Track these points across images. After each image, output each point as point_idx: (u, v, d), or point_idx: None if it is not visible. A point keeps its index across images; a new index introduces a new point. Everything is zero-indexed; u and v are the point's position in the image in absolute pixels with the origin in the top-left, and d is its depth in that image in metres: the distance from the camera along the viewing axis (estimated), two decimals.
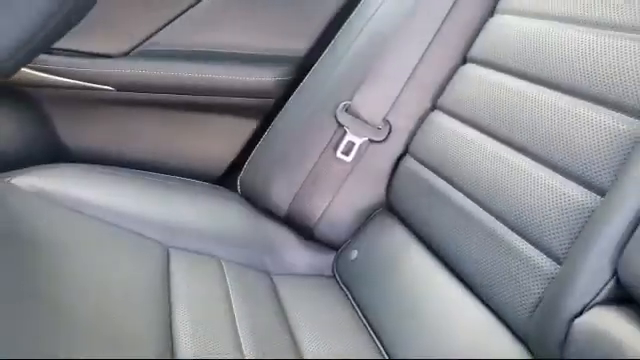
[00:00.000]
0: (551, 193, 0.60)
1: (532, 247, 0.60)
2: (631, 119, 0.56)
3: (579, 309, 0.49)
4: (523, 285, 0.59)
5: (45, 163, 0.94)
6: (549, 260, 0.57)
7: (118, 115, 1.08)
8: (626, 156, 0.53)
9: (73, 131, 1.08)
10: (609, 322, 0.47)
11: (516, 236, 0.62)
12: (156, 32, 1.03)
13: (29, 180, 0.84)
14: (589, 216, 0.54)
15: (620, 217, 0.49)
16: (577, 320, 0.49)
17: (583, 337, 0.49)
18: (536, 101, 0.68)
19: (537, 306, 0.56)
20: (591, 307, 0.49)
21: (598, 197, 0.55)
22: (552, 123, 0.64)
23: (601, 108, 0.59)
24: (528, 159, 0.65)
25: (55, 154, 1.07)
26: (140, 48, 1.04)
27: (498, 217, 0.66)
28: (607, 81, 0.60)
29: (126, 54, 1.03)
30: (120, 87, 1.03)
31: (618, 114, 0.57)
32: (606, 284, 0.49)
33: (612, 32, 0.62)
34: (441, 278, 0.74)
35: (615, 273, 0.48)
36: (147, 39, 1.03)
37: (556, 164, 0.61)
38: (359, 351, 0.75)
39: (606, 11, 0.65)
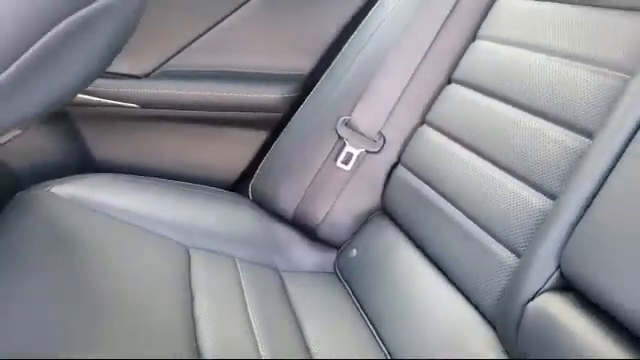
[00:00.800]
0: (514, 198, 0.70)
1: (499, 244, 0.70)
2: (580, 137, 0.66)
3: (531, 295, 0.59)
4: (492, 276, 0.69)
5: (77, 173, 1.02)
6: (512, 255, 0.67)
7: (142, 129, 1.16)
8: (572, 167, 0.63)
9: (102, 144, 1.17)
10: (554, 306, 0.57)
11: (487, 236, 0.72)
12: (175, 55, 1.11)
13: (66, 189, 0.93)
14: (543, 217, 0.64)
15: (564, 219, 0.59)
16: (529, 304, 0.59)
17: (533, 318, 0.59)
18: (505, 118, 0.78)
19: (502, 294, 0.66)
20: (540, 294, 0.59)
21: (550, 201, 0.65)
22: (516, 138, 0.74)
23: (556, 126, 0.70)
24: (497, 169, 0.75)
25: (85, 165, 1.16)
26: (161, 69, 1.12)
27: (473, 219, 0.76)
28: (562, 103, 0.70)
29: (148, 75, 1.11)
30: (143, 104, 1.11)
31: (569, 132, 0.68)
32: (552, 275, 0.59)
33: (569, 61, 0.73)
34: (427, 272, 0.83)
35: (559, 266, 0.59)
36: (167, 61, 1.11)
37: (518, 173, 0.72)
38: (357, 338, 0.84)
39: (566, 43, 0.75)
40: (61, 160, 1.15)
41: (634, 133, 0.57)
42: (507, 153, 0.75)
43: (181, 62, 1.13)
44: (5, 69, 0.49)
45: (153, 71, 1.12)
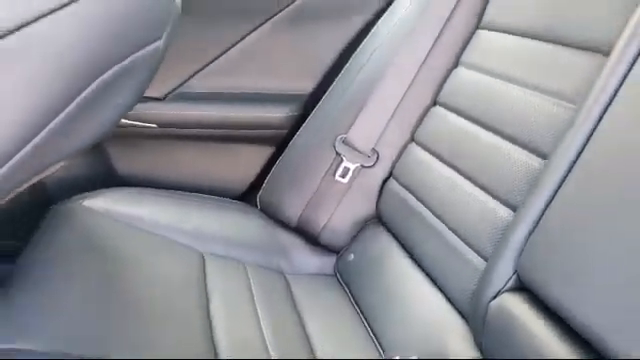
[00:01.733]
0: (484, 209, 0.81)
1: (470, 249, 0.81)
2: (537, 157, 0.77)
3: (493, 295, 0.70)
4: (465, 278, 0.80)
5: (102, 187, 1.12)
6: (481, 259, 0.78)
7: (160, 147, 1.27)
8: (531, 183, 0.74)
9: (124, 160, 1.27)
10: (512, 304, 0.68)
11: (462, 242, 0.83)
12: (189, 79, 1.22)
13: (96, 202, 1.04)
14: (506, 226, 0.75)
15: (521, 229, 0.70)
16: (492, 303, 0.70)
17: (495, 315, 0.70)
18: (478, 139, 0.89)
19: (473, 293, 0.77)
20: (501, 293, 0.70)
21: (512, 212, 0.76)
22: (487, 157, 0.85)
23: (519, 148, 0.81)
24: (470, 183, 0.86)
25: (110, 179, 1.26)
26: (176, 92, 1.23)
27: (451, 228, 0.87)
28: (524, 127, 0.81)
29: (165, 97, 1.22)
30: (161, 124, 1.22)
31: (529, 153, 0.79)
32: (510, 277, 0.69)
33: (530, 90, 0.83)
34: (414, 274, 0.94)
35: (517, 269, 0.70)
36: (182, 85, 1.22)
37: (488, 187, 0.83)
38: (353, 335, 0.94)
39: (528, 74, 0.86)
40: (88, 174, 1.25)
41: (578, 157, 0.67)
42: (479, 170, 0.86)
43: (194, 85, 1.24)
44: (61, 112, 0.60)
45: (169, 94, 1.23)
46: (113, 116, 0.69)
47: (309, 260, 1.13)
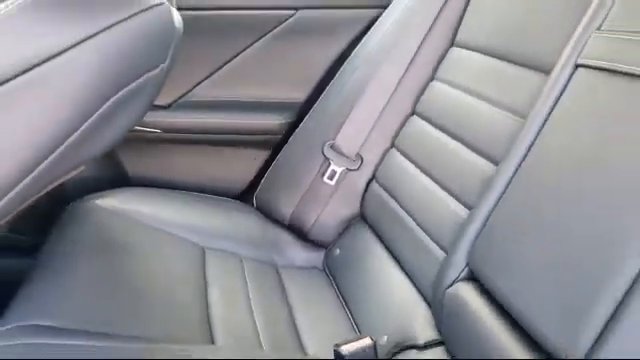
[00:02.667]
0: (447, 209, 0.92)
1: (435, 244, 0.92)
2: (490, 163, 0.88)
3: (449, 284, 0.81)
4: (430, 269, 0.89)
5: (112, 186, 1.24)
6: (442, 252, 0.89)
7: (165, 150, 1.38)
8: (484, 186, 0.84)
9: (133, 162, 1.38)
10: (464, 292, 0.79)
11: (428, 238, 0.94)
12: (191, 89, 1.34)
13: (107, 201, 1.15)
14: (463, 223, 0.85)
15: (474, 226, 0.80)
16: (448, 291, 0.81)
17: (450, 302, 0.80)
18: (445, 145, 1.00)
19: (434, 282, 0.88)
20: (455, 283, 0.81)
21: (468, 211, 0.87)
22: (452, 162, 0.96)
23: (476, 154, 0.92)
24: (437, 186, 0.97)
25: (119, 179, 1.37)
26: (180, 101, 1.34)
27: (420, 226, 0.98)
28: (482, 136, 0.92)
29: (169, 105, 1.34)
30: (165, 130, 1.33)
31: (484, 159, 0.90)
32: (463, 269, 0.80)
33: (487, 103, 0.94)
34: (391, 266, 1.04)
35: (468, 262, 0.81)
36: (185, 94, 1.34)
37: (450, 189, 0.94)
38: (335, 321, 1.05)
39: (487, 88, 0.96)
40: (101, 176, 1.36)
41: (521, 164, 0.78)
42: (445, 174, 0.97)
43: (197, 95, 1.36)
44: (79, 127, 0.72)
45: (174, 102, 1.35)
46: (124, 128, 0.81)
47: (299, 254, 1.24)
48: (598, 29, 0.74)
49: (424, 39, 1.17)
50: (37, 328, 0.79)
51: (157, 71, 0.77)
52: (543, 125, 0.77)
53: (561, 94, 0.76)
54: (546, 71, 0.83)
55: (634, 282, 0.56)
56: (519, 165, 0.78)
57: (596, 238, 0.61)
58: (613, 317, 0.56)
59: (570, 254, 0.63)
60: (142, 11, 0.73)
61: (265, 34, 1.34)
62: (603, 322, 0.57)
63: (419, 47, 1.18)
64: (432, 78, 1.16)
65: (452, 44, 1.15)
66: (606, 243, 0.60)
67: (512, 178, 0.79)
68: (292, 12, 1.33)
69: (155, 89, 0.82)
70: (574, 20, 0.80)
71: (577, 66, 0.75)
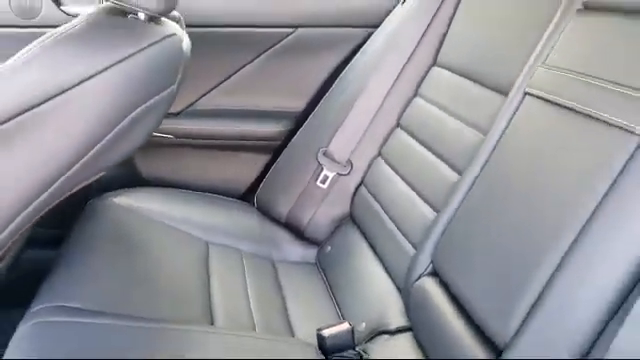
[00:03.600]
0: (419, 211, 1.05)
1: (407, 242, 1.05)
2: (455, 173, 1.01)
3: (416, 278, 0.94)
4: (404, 265, 1.02)
5: (128, 186, 1.37)
6: (413, 249, 1.02)
7: (175, 154, 1.51)
8: (449, 193, 0.97)
9: (147, 164, 1.51)
10: (428, 286, 0.91)
11: (403, 237, 1.07)
12: (199, 98, 1.47)
13: (123, 199, 1.28)
14: (430, 225, 0.98)
15: (439, 227, 0.93)
16: (415, 284, 0.94)
17: (417, 294, 0.93)
18: (422, 155, 1.13)
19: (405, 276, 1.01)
20: (421, 277, 0.94)
21: (435, 213, 1.00)
22: (425, 169, 1.09)
23: (445, 164, 1.04)
24: (414, 192, 1.10)
25: (134, 179, 1.49)
26: (189, 109, 1.48)
27: (398, 227, 1.11)
28: (450, 148, 1.05)
29: (179, 113, 1.47)
30: (177, 135, 1.47)
31: (451, 170, 1.02)
32: (428, 265, 0.93)
33: (455, 119, 1.08)
34: (374, 263, 1.17)
35: (432, 259, 0.93)
36: (193, 103, 1.48)
37: (423, 194, 1.07)
38: (323, 310, 1.17)
39: (456, 105, 1.09)
40: (118, 176, 1.46)
41: (479, 174, 0.90)
42: (419, 182, 1.10)
43: (204, 104, 1.49)
44: (101, 140, 0.85)
45: (183, 110, 1.49)
46: (140, 139, 0.95)
47: (294, 250, 1.37)
48: (544, 63, 0.86)
49: (409, 59, 1.30)
50: (62, 308, 0.92)
51: (168, 91, 0.91)
52: (498, 142, 0.90)
53: (513, 116, 0.89)
54: (504, 94, 0.96)
55: (553, 273, 0.68)
56: (478, 175, 0.91)
57: (527, 237, 0.74)
58: (535, 304, 0.69)
59: (508, 250, 0.76)
60: (157, 42, 0.87)
61: (267, 49, 1.47)
62: (528, 307, 0.70)
63: (404, 66, 1.30)
64: (415, 94, 1.28)
65: (434, 64, 1.28)
66: (533, 241, 0.72)
67: (472, 186, 0.91)
68: (292, 30, 1.46)
69: (166, 106, 0.96)
70: (528, 52, 0.93)
71: (525, 94, 0.87)
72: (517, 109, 0.89)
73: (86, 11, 1.13)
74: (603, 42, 0.79)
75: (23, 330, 0.87)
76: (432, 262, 0.94)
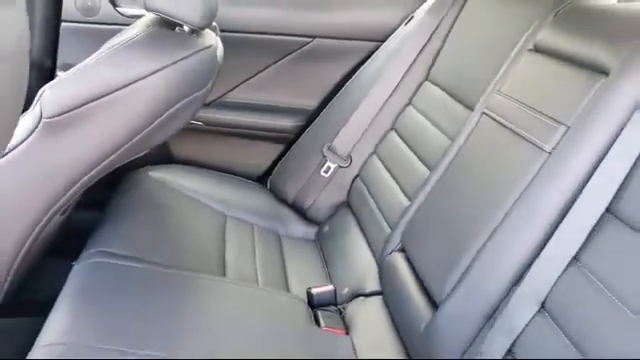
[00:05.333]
0: (397, 201, 1.28)
1: (388, 225, 1.28)
2: (428, 170, 1.23)
3: (389, 252, 1.18)
4: (381, 241, 1.25)
5: (161, 163, 1.62)
6: (390, 230, 1.25)
7: (203, 138, 1.75)
8: (422, 184, 1.20)
9: (178, 145, 1.75)
10: (396, 260, 1.14)
11: (384, 221, 1.31)
12: (227, 92, 1.72)
13: (157, 173, 1.54)
14: (403, 210, 1.21)
15: (410, 212, 1.16)
16: (387, 257, 1.18)
17: (388, 266, 1.17)
18: (406, 156, 1.36)
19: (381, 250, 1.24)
20: (392, 252, 1.17)
21: (409, 202, 1.23)
22: (406, 166, 1.32)
23: (421, 162, 1.27)
24: (393, 182, 1.34)
25: (166, 157, 1.74)
26: (218, 101, 1.72)
27: (381, 212, 1.34)
28: (426, 149, 1.28)
29: (210, 104, 1.71)
30: (205, 123, 1.71)
31: (424, 167, 1.25)
32: (399, 243, 1.17)
33: (435, 128, 1.30)
34: (360, 239, 1.40)
35: (401, 237, 1.17)
36: (221, 96, 1.72)
37: (403, 186, 1.30)
38: (315, 274, 1.40)
39: (437, 115, 1.32)
40: (153, 154, 1.68)
41: (445, 171, 1.13)
42: (402, 176, 1.33)
43: (231, 97, 1.74)
44: (146, 128, 1.10)
45: (213, 102, 1.73)
46: (175, 129, 1.19)
47: (298, 228, 1.62)
48: (499, 90, 1.09)
49: (406, 73, 1.52)
50: (108, 254, 1.17)
51: (203, 91, 1.16)
52: (460, 148, 1.13)
53: (473, 129, 1.12)
54: (471, 110, 1.18)
55: (480, 249, 0.91)
56: (443, 173, 1.14)
57: (466, 222, 0.97)
58: (465, 272, 0.92)
59: (452, 231, 1.00)
60: (196, 52, 1.11)
61: (287, 55, 1.71)
62: (459, 274, 0.93)
63: (402, 78, 1.53)
64: (409, 103, 1.51)
65: (426, 79, 1.50)
66: (470, 225, 0.96)
67: (437, 181, 1.14)
68: (310, 40, 1.70)
69: (200, 103, 1.21)
70: (491, 79, 1.15)
71: (483, 113, 1.10)
72: (476, 124, 1.12)
73: (137, 12, 1.41)
74: (540, 78, 1.01)
75: (78, 268, 1.13)
76: (401, 240, 1.17)
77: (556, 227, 0.82)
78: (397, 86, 1.54)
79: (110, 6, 1.65)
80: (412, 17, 1.61)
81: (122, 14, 1.64)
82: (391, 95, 1.54)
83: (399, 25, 1.65)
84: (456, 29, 1.46)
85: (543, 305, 0.80)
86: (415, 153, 1.34)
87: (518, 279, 0.86)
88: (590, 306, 0.75)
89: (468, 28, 1.41)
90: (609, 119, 0.81)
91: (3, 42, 0.54)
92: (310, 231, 1.62)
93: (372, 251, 1.34)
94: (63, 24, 1.60)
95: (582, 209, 0.79)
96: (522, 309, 0.82)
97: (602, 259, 0.76)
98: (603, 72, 0.86)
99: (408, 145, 1.39)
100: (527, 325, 0.80)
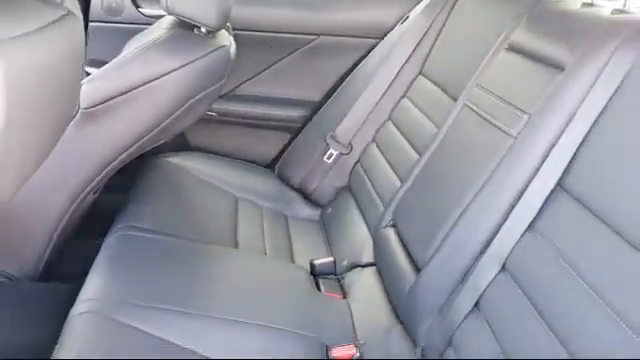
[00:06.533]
0: (390, 182, 1.43)
1: (381, 204, 1.43)
2: (417, 154, 1.38)
3: (383, 227, 1.32)
4: (376, 218, 1.41)
5: (178, 150, 1.80)
6: (384, 208, 1.40)
7: (216, 128, 1.91)
8: (411, 167, 1.35)
9: (195, 134, 1.91)
10: (387, 233, 1.29)
11: (379, 199, 1.46)
12: (239, 85, 1.87)
13: (174, 159, 1.69)
14: (395, 190, 1.36)
15: (400, 192, 1.31)
16: (380, 231, 1.33)
17: (380, 238, 1.32)
18: (400, 143, 1.50)
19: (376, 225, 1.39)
20: (385, 227, 1.32)
21: (400, 183, 1.38)
22: (401, 152, 1.47)
23: (412, 148, 1.42)
24: (388, 166, 1.49)
25: (184, 145, 1.90)
26: (231, 93, 1.88)
27: (377, 193, 1.49)
28: (417, 137, 1.42)
29: (223, 96, 1.86)
30: (219, 113, 1.87)
31: (415, 151, 1.40)
32: (390, 219, 1.32)
33: (425, 118, 1.45)
34: (359, 218, 1.55)
35: (393, 214, 1.32)
36: (234, 88, 1.88)
37: (395, 169, 1.45)
38: (318, 248, 1.56)
39: (429, 107, 1.47)
40: (173, 142, 1.87)
41: (432, 156, 1.28)
42: (394, 160, 1.49)
43: (242, 90, 1.90)
44: (168, 117, 1.26)
45: (226, 94, 1.88)
46: (192, 120, 1.35)
47: (303, 210, 1.77)
48: (478, 84, 1.23)
49: (402, 67, 1.67)
50: (136, 227, 1.33)
51: (217, 86, 1.32)
52: (445, 135, 1.28)
53: (455, 118, 1.26)
54: (455, 100, 1.33)
55: (456, 221, 1.06)
56: (430, 156, 1.29)
57: (446, 197, 1.12)
58: (442, 241, 1.07)
59: (434, 206, 1.15)
60: (211, 52, 1.27)
61: (294, 51, 1.86)
62: (439, 242, 1.08)
63: (398, 72, 1.67)
64: (404, 96, 1.66)
65: (420, 73, 1.65)
66: (449, 200, 1.10)
67: (425, 164, 1.29)
68: (315, 37, 1.85)
69: (214, 97, 1.37)
70: (473, 73, 1.30)
71: (464, 104, 1.24)
72: (458, 114, 1.26)
73: (157, 13, 1.56)
74: (511, 73, 1.16)
75: (109, 240, 1.29)
76: (392, 217, 1.32)
77: (518, 201, 0.97)
78: (393, 80, 1.68)
79: (133, 8, 1.82)
80: (407, 17, 1.76)
81: (144, 15, 1.81)
82: (388, 88, 1.68)
83: (396, 24, 1.79)
84: (447, 28, 1.60)
85: (504, 266, 0.95)
86: (408, 141, 1.48)
87: (485, 246, 1.00)
88: (543, 267, 0.89)
89: (456, 27, 1.56)
90: (562, 108, 0.95)
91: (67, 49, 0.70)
92: (314, 213, 1.77)
93: (368, 228, 1.50)
94: (90, 24, 1.76)
95: (538, 185, 0.94)
96: (486, 270, 0.97)
97: (553, 227, 0.90)
98: (561, 68, 1.01)
99: (402, 133, 1.54)
100: (490, 283, 0.95)
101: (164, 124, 1.27)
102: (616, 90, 0.88)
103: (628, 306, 0.72)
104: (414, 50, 1.67)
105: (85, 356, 0.95)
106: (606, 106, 0.89)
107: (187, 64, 1.22)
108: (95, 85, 1.19)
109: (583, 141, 0.90)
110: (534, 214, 0.93)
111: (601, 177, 0.86)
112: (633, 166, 0.80)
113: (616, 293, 0.75)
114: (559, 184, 0.92)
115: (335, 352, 1.09)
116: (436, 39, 1.63)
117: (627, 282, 0.75)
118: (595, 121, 0.89)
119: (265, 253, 1.47)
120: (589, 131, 0.90)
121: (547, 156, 0.95)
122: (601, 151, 0.88)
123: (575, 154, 0.91)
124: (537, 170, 0.96)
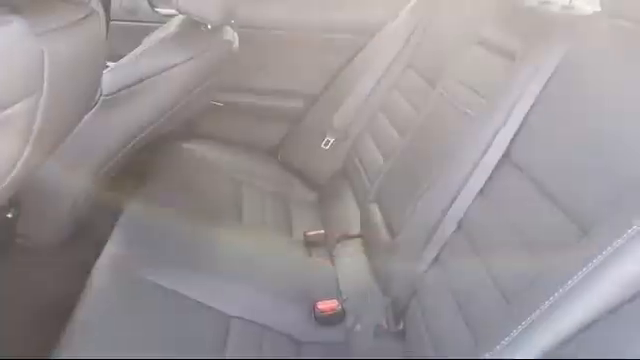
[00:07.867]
0: (377, 164, 1.60)
1: (368, 182, 1.60)
2: (400, 137, 1.55)
3: (367, 203, 1.50)
4: (364, 196, 1.58)
5: (187, 138, 1.99)
6: (369, 187, 1.57)
7: (223, 117, 2.08)
8: (394, 145, 1.51)
9: (205, 122, 2.08)
10: (372, 208, 1.48)
11: (366, 178, 1.63)
12: (243, 78, 2.04)
13: (184, 146, 1.88)
14: (379, 170, 1.53)
15: (383, 170, 1.48)
16: (365, 206, 1.49)
17: (364, 213, 1.49)
18: (386, 125, 1.67)
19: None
20: (369, 204, 1.49)
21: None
22: (386, 136, 1.64)
23: (394, 129, 1.59)
24: (376, 148, 1.65)
25: (192, 133, 2.04)
26: (235, 86, 2.03)
27: (366, 175, 1.66)
28: (402, 123, 1.59)
29: (230, 88, 2.03)
30: (225, 103, 2.03)
31: (399, 134, 1.57)
32: (374, 195, 1.49)
33: (411, 107, 1.61)
34: (350, 197, 1.72)
35: (376, 193, 1.49)
36: (239, 81, 2.04)
37: (380, 148, 1.61)
38: (314, 225, 1.73)
39: (415, 97, 1.63)
40: (180, 129, 2.05)
41: (412, 137, 1.45)
42: (379, 140, 1.65)
43: (248, 82, 2.07)
44: (176, 105, 1.44)
45: (232, 87, 2.04)
46: (199, 107, 1.53)
47: (302, 191, 1.94)
48: (452, 75, 1.39)
49: (392, 62, 1.83)
50: (149, 202, 1.51)
51: (220, 77, 1.49)
52: (425, 118, 1.44)
53: (433, 105, 1.43)
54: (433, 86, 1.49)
55: (424, 192, 1.22)
56: (410, 139, 1.45)
57: (419, 172, 1.28)
58: (414, 209, 1.23)
59: (408, 180, 1.31)
60: (216, 46, 1.44)
61: (293, 47, 2.04)
62: (411, 211, 1.24)
63: (388, 66, 1.84)
64: (394, 88, 1.82)
65: (408, 66, 1.81)
66: (421, 176, 1.26)
67: (404, 146, 1.46)
68: (312, 35, 2.02)
69: (218, 87, 1.54)
70: (448, 65, 1.46)
71: (440, 93, 1.41)
72: (434, 101, 1.42)
73: (171, 12, 1.74)
74: (478, 65, 1.32)
75: (126, 213, 1.47)
76: (375, 193, 1.49)
77: (473, 171, 1.13)
78: (384, 74, 1.85)
79: (150, 8, 2.00)
80: (397, 16, 1.92)
81: (159, 14, 2.00)
82: (379, 81, 1.85)
83: (387, 22, 1.96)
84: (432, 25, 1.76)
85: (460, 226, 1.11)
86: (395, 127, 1.65)
87: (446, 210, 1.16)
88: (491, 226, 1.05)
89: (439, 25, 1.71)
90: (512, 91, 1.11)
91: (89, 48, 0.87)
92: (312, 195, 1.94)
93: (357, 201, 1.66)
94: (111, 22, 1.96)
95: (488, 156, 1.10)
96: (446, 229, 1.13)
97: (498, 191, 1.06)
98: (513, 57, 1.17)
99: (390, 121, 1.71)
100: (449, 239, 1.11)
101: (174, 110, 1.45)
102: (552, 76, 1.04)
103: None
104: (403, 46, 1.83)
105: (107, 311, 1.11)
106: (543, 90, 1.05)
107: (193, 57, 1.40)
108: (114, 75, 1.36)
109: (525, 119, 1.06)
110: (483, 181, 1.09)
111: (540, 149, 1.02)
112: (563, 138, 0.96)
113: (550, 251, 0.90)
114: (505, 155, 1.08)
115: (320, 305, 1.26)
116: (422, 35, 1.79)
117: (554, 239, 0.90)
118: (533, 103, 1.05)
119: (266, 226, 1.64)
120: (529, 110, 1.06)
121: (497, 133, 1.11)
122: (539, 127, 1.04)
123: (518, 130, 1.07)
124: (489, 145, 1.12)
